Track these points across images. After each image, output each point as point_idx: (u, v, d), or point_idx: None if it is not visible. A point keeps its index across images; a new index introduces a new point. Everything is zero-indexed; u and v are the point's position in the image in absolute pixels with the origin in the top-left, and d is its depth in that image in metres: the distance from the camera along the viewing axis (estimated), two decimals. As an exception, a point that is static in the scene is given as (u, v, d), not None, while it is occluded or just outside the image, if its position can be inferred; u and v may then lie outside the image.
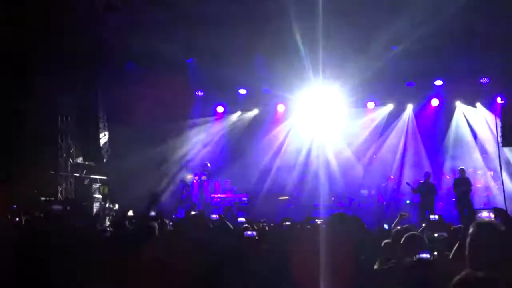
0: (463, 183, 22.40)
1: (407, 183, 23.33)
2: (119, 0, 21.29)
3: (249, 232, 9.62)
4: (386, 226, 14.02)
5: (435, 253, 7.84)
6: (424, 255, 6.62)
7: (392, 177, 26.00)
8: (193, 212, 17.23)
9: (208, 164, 26.84)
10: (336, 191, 26.66)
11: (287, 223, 14.09)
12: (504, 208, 18.94)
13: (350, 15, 20.24)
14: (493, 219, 9.86)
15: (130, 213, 18.47)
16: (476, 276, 4.21)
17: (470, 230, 5.27)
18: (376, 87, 26.43)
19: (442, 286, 4.65)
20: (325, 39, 21.70)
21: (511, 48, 18.67)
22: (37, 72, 18.95)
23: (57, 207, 12.09)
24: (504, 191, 22.61)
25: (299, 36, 22.15)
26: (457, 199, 22.34)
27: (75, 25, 20.60)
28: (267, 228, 13.79)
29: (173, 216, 20.04)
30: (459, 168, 23.13)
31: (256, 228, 11.77)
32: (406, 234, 7.33)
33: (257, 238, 9.42)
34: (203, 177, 26.31)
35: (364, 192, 26.27)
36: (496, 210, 10.07)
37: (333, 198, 26.44)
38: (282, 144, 28.72)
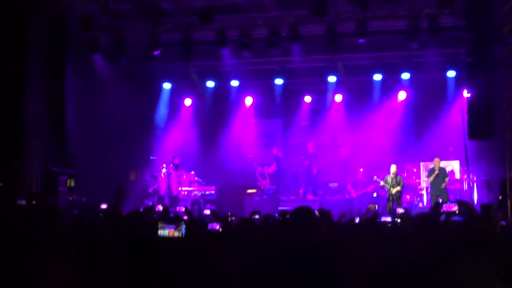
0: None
1: (375, 178, 23.40)
2: None
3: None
4: (357, 220, 14.08)
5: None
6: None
7: (361, 170, 26.05)
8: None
9: (176, 157, 26.75)
10: (304, 184, 26.72)
11: (256, 216, 14.07)
12: (468, 200, 19.15)
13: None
14: (457, 211, 9.95)
15: (103, 206, 18.39)
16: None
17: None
18: (344, 80, 26.62)
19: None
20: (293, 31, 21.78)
21: (478, 41, 18.76)
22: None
23: (21, 201, 11.89)
24: (469, 182, 22.83)
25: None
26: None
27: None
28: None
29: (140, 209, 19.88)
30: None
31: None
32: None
33: (221, 230, 9.37)
34: (170, 170, 26.21)
35: (333, 185, 26.33)
36: (460, 203, 10.15)
37: (300, 191, 26.49)
38: (250, 137, 28.73)
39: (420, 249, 5.64)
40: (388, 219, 8.77)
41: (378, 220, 8.68)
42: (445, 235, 5.81)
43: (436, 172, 22.25)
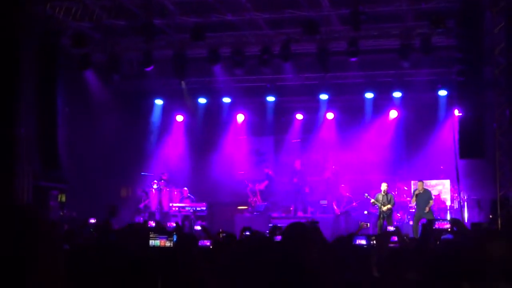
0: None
1: (366, 195, 23.40)
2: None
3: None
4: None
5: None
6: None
7: (342, 185, 25.89)
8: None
9: (164, 173, 26.72)
10: (295, 201, 26.68)
11: (247, 232, 14.07)
12: (461, 219, 19.18)
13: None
14: (449, 229, 9.97)
15: (92, 220, 18.39)
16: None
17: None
18: (335, 99, 26.73)
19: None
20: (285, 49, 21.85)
21: (469, 61, 18.87)
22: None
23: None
24: (460, 201, 22.88)
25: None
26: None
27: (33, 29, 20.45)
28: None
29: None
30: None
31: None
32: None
33: (211, 247, 9.37)
34: (162, 186, 26.18)
35: (324, 202, 26.29)
36: (453, 221, 10.16)
37: (291, 208, 26.46)
38: (241, 154, 28.75)
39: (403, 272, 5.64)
40: (363, 241, 8.63)
41: (353, 243, 8.60)
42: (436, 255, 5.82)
43: (417, 192, 22.33)
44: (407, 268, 5.73)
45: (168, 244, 8.38)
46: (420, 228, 20.89)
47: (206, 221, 24.51)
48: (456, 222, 8.55)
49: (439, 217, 21.66)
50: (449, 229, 9.69)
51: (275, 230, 14.20)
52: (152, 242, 8.35)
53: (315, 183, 27.19)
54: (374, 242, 7.89)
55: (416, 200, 22.26)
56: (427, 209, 21.97)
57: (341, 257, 6.41)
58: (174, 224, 16.53)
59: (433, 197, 22.98)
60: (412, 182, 25.43)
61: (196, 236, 10.86)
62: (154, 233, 8.52)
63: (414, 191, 22.73)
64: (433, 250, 7.00)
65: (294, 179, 26.88)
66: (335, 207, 25.26)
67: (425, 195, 22.31)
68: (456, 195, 23.82)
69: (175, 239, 8.55)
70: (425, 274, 5.19)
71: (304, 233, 5.61)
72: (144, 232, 9.24)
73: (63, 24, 21.53)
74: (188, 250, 7.54)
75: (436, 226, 9.82)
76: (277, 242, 10.66)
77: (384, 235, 11.44)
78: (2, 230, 2.81)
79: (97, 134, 24.47)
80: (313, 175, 27.45)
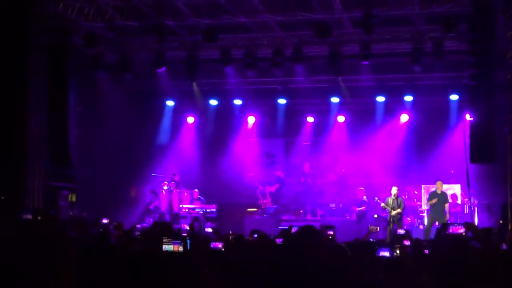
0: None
1: (376, 199, 23.32)
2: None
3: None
4: None
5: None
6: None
7: (361, 188, 25.80)
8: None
9: (176, 174, 26.74)
10: (304, 204, 26.66)
11: (256, 235, 14.09)
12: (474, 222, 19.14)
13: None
14: (463, 233, 9.95)
15: (105, 221, 18.44)
16: None
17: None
18: (347, 102, 26.69)
19: None
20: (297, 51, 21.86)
21: (481, 65, 18.83)
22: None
23: (27, 216, 11.89)
24: (470, 206, 22.80)
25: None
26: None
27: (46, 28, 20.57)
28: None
29: (138, 226, 19.92)
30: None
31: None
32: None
33: (223, 249, 9.37)
34: (172, 187, 26.18)
35: (333, 205, 26.23)
36: (468, 225, 10.14)
37: (301, 211, 26.42)
38: (252, 156, 28.72)
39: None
40: (386, 253, 8.32)
41: (376, 254, 8.36)
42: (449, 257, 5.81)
43: (438, 191, 22.18)
44: (420, 271, 5.73)
45: (181, 249, 8.38)
46: (433, 231, 20.87)
47: (216, 223, 24.54)
48: (470, 226, 8.53)
49: (448, 222, 21.60)
50: (464, 234, 9.66)
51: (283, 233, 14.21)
52: (165, 247, 8.33)
53: (322, 186, 27.14)
54: (398, 252, 7.76)
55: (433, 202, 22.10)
56: (447, 215, 21.88)
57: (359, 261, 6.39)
58: (188, 227, 16.56)
59: (449, 200, 22.93)
60: (423, 186, 25.38)
61: (208, 239, 10.90)
62: (168, 237, 8.50)
63: (432, 192, 22.54)
64: (446, 253, 6.99)
65: (304, 182, 26.85)
66: (346, 211, 25.23)
67: (443, 197, 22.20)
68: (467, 199, 23.72)
69: (188, 245, 8.55)
70: (438, 276, 5.19)
71: (316, 236, 5.61)
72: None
73: (75, 24, 21.58)
74: (200, 253, 7.56)
75: (451, 230, 9.77)
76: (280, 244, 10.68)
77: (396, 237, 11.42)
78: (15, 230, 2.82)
79: (108, 134, 24.50)
80: (323, 178, 27.40)
